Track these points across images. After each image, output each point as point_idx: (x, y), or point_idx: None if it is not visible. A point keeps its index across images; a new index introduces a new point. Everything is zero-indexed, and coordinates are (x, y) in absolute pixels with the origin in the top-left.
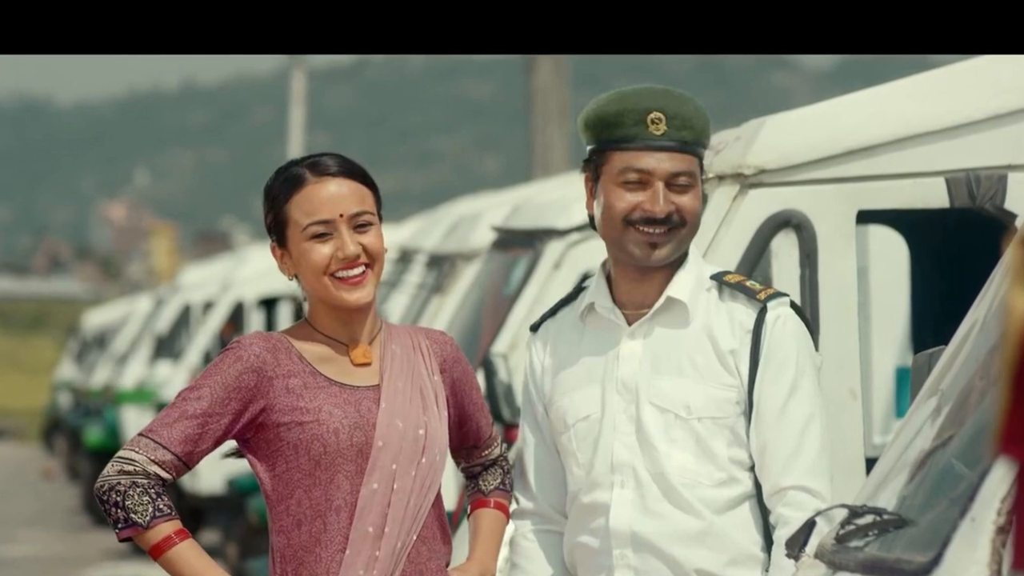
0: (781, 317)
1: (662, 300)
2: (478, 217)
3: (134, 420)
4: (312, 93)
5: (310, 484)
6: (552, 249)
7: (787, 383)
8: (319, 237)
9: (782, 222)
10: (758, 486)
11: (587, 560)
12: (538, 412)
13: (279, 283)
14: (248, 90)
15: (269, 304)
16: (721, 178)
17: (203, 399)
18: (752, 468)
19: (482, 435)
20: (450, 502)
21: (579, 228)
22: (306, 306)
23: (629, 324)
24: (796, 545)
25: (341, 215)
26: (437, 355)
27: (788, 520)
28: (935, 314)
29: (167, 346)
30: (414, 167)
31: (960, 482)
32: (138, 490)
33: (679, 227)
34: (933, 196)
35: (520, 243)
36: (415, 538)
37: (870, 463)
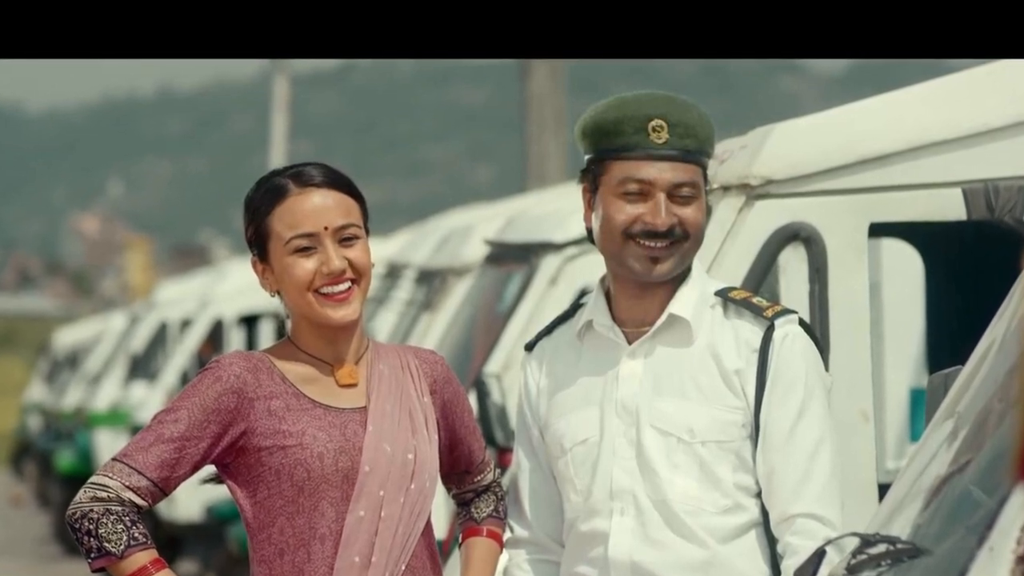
0: (789, 335)
1: (664, 317)
2: (470, 230)
3: (108, 444)
4: (295, 99)
5: (293, 511)
6: (548, 264)
7: (795, 405)
8: (303, 251)
9: (790, 235)
10: (765, 513)
11: None
12: (533, 436)
13: (260, 300)
14: (228, 96)
15: (250, 322)
16: (726, 189)
17: (180, 422)
18: (759, 494)
19: (474, 460)
20: (441, 530)
21: (576, 242)
22: (289, 324)
23: (629, 343)
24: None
25: (326, 228)
26: (427, 375)
27: (797, 549)
28: (951, 332)
29: (142, 366)
30: (403, 177)
31: (978, 509)
32: (112, 517)
33: (682, 240)
34: (949, 208)
35: (514, 257)
36: (404, 568)
37: (883, 489)
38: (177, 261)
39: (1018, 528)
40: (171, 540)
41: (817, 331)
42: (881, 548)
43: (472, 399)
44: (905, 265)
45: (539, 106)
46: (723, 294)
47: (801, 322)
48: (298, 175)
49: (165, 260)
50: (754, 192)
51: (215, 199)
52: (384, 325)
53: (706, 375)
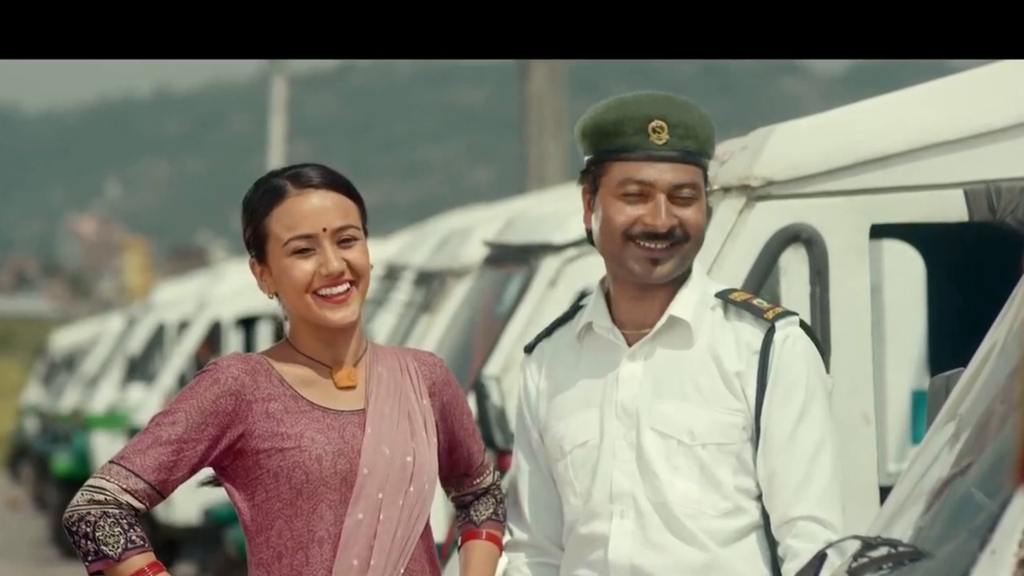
0: (790, 337)
1: (664, 319)
2: (469, 231)
3: (105, 446)
4: (293, 100)
5: (291, 514)
6: (547, 265)
7: (796, 407)
8: (301, 253)
9: (791, 236)
10: (765, 516)
11: None
12: (533, 438)
13: (258, 301)
14: (226, 97)
15: (248, 323)
16: (727, 190)
17: (178, 424)
18: (759, 497)
19: (473, 462)
20: (440, 533)
21: (576, 243)
22: (287, 326)
23: (629, 345)
24: None
25: (324, 229)
26: (426, 377)
27: (797, 552)
28: (953, 334)
29: (140, 368)
30: (401, 178)
31: (979, 512)
32: (109, 520)
33: (682, 242)
34: (951, 209)
35: (514, 259)
36: (403, 571)
37: (884, 492)
38: (175, 262)
39: (1020, 531)
40: (169, 543)
41: (818, 333)
42: (882, 551)
43: (471, 401)
44: (906, 267)
45: (539, 107)
46: (723, 296)
47: (802, 324)
48: (296, 176)
49: (163, 261)
50: (755, 193)
51: (213, 200)
52: (383, 327)
53: (706, 377)
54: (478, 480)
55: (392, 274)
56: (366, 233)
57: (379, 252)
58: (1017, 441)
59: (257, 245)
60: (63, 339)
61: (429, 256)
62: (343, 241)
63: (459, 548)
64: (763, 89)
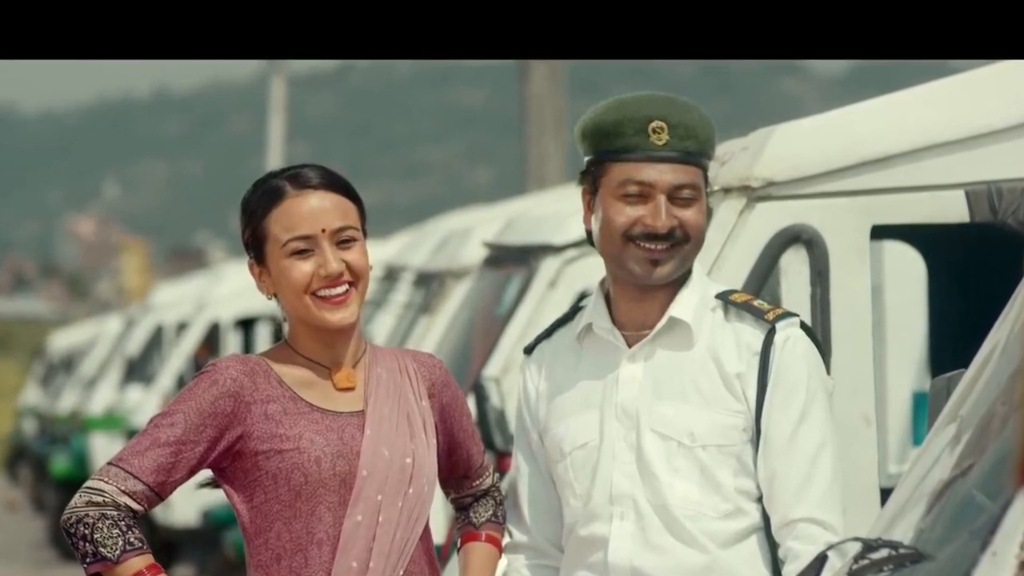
0: (791, 339)
1: (664, 321)
2: (469, 232)
3: (103, 448)
4: (292, 101)
5: (290, 516)
6: (547, 266)
7: (797, 409)
8: (300, 254)
9: (792, 238)
10: (766, 518)
11: None
12: (532, 440)
13: (257, 302)
14: (225, 98)
15: (247, 325)
16: (727, 191)
17: (176, 426)
18: (760, 499)
19: (473, 464)
20: (439, 535)
21: (576, 244)
22: (286, 327)
23: (629, 346)
24: None
25: (323, 230)
26: (425, 379)
27: (798, 554)
28: (954, 335)
29: (138, 370)
30: (401, 179)
31: (980, 514)
32: (107, 522)
33: (682, 243)
34: (952, 210)
35: (513, 260)
36: (402, 573)
37: (885, 493)
38: (173, 263)
39: (1021, 533)
40: (167, 545)
41: (819, 334)
42: (883, 553)
43: (471, 403)
44: (907, 268)
45: (538, 107)
46: (724, 297)
47: (802, 325)
48: (295, 177)
49: (161, 262)
50: (755, 194)
51: (212, 201)
52: (382, 328)
53: (707, 379)
54: (477, 482)
55: (391, 275)
56: (365, 234)
57: (378, 253)
58: (1018, 443)
59: (256, 246)
60: (61, 340)
61: (428, 257)
62: (342, 242)
63: (458, 550)
64: (763, 89)
